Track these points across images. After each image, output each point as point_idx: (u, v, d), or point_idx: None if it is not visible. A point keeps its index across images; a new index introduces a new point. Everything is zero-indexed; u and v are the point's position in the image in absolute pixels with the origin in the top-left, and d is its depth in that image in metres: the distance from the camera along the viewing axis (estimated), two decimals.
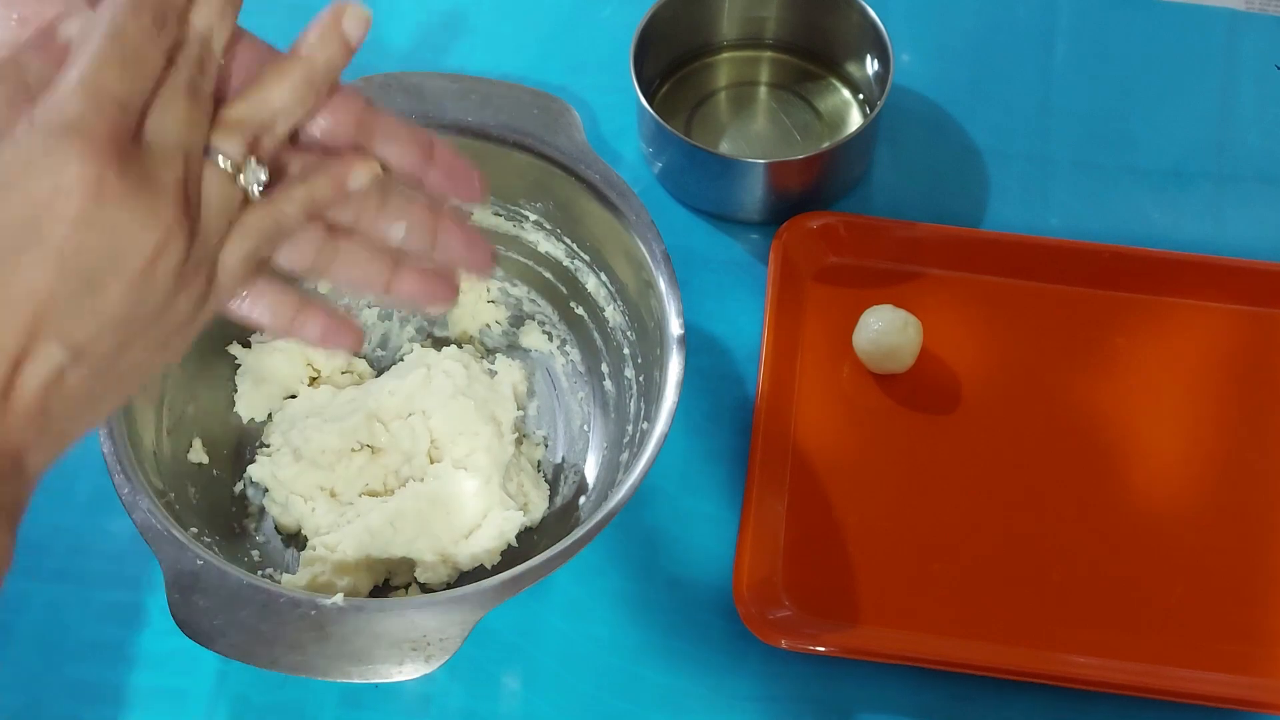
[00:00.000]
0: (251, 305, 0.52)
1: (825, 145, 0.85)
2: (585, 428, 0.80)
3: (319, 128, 0.50)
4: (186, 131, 0.46)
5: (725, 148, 0.89)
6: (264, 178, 0.49)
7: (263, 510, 0.77)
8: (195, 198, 0.46)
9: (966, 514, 0.77)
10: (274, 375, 0.78)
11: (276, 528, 0.76)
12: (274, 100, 0.48)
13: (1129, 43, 0.94)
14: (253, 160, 0.48)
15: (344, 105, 0.51)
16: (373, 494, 0.75)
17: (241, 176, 0.48)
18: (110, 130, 0.44)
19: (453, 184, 0.53)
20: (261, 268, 0.51)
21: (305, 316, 0.53)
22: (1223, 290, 0.83)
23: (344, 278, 0.52)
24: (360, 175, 0.51)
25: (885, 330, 0.79)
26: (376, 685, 0.70)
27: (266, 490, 0.76)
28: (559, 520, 0.77)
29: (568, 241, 0.78)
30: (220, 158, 0.47)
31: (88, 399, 0.47)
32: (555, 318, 0.82)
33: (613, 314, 0.78)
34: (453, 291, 0.54)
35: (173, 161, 0.46)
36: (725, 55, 0.93)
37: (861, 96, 0.90)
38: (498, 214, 0.79)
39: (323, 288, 0.74)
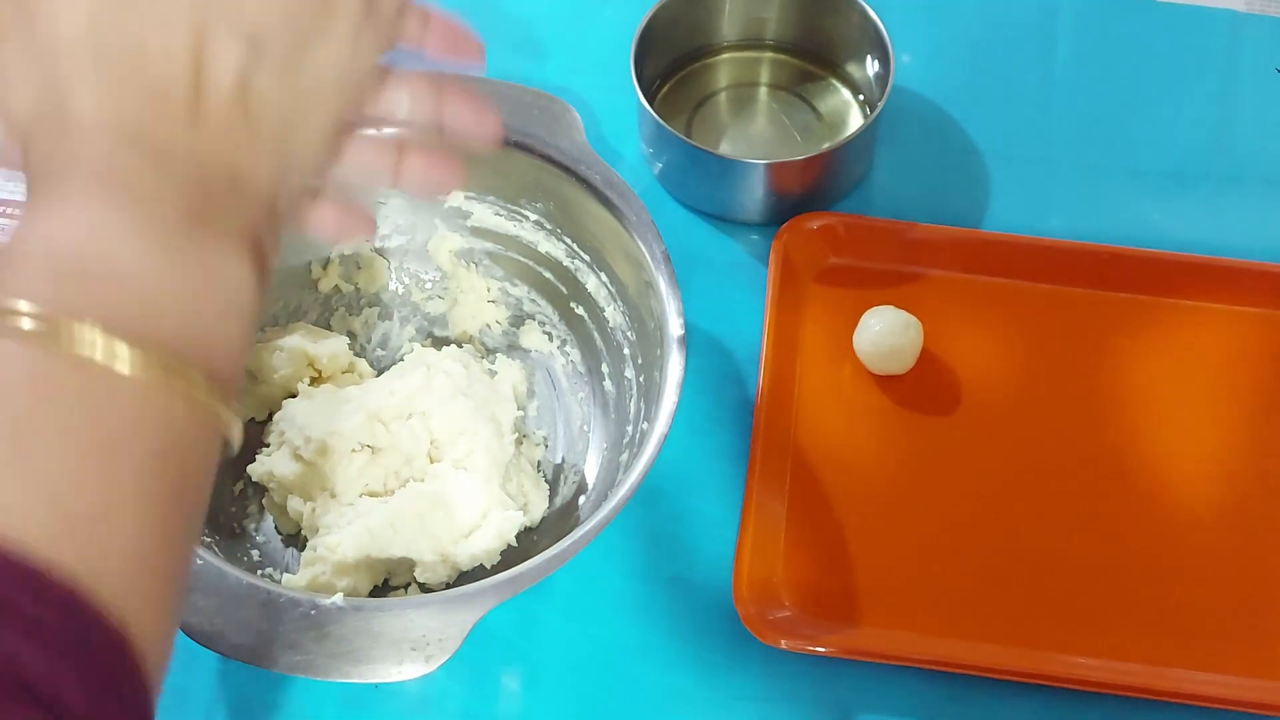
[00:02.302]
0: None
1: (825, 146, 0.85)
2: (585, 428, 0.79)
3: None
4: None
5: (725, 148, 0.89)
6: None
7: (262, 510, 0.77)
8: None
9: (967, 515, 0.77)
10: (274, 375, 0.78)
11: (276, 528, 0.76)
12: None
13: (1129, 44, 0.95)
14: None
15: None
16: (372, 494, 0.75)
17: None
18: None
19: (452, 46, 0.53)
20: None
21: (318, 212, 0.53)
22: (1224, 291, 0.83)
23: (353, 167, 0.52)
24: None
25: (886, 331, 0.79)
26: (376, 685, 0.71)
27: (266, 490, 0.76)
28: (559, 520, 0.77)
29: (568, 241, 0.78)
30: None
31: (290, 106, 0.46)
32: (555, 318, 0.82)
33: (613, 314, 0.78)
34: (460, 172, 0.54)
35: None
36: (726, 56, 0.93)
37: (862, 97, 0.90)
38: (498, 214, 0.79)
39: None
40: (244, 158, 0.46)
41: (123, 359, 0.41)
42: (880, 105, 0.84)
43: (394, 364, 0.81)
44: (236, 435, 0.46)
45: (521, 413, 0.79)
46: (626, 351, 0.77)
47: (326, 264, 0.81)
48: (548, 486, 0.78)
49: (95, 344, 0.41)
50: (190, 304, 0.44)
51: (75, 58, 0.44)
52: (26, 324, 0.41)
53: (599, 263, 0.78)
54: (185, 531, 0.44)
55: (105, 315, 0.41)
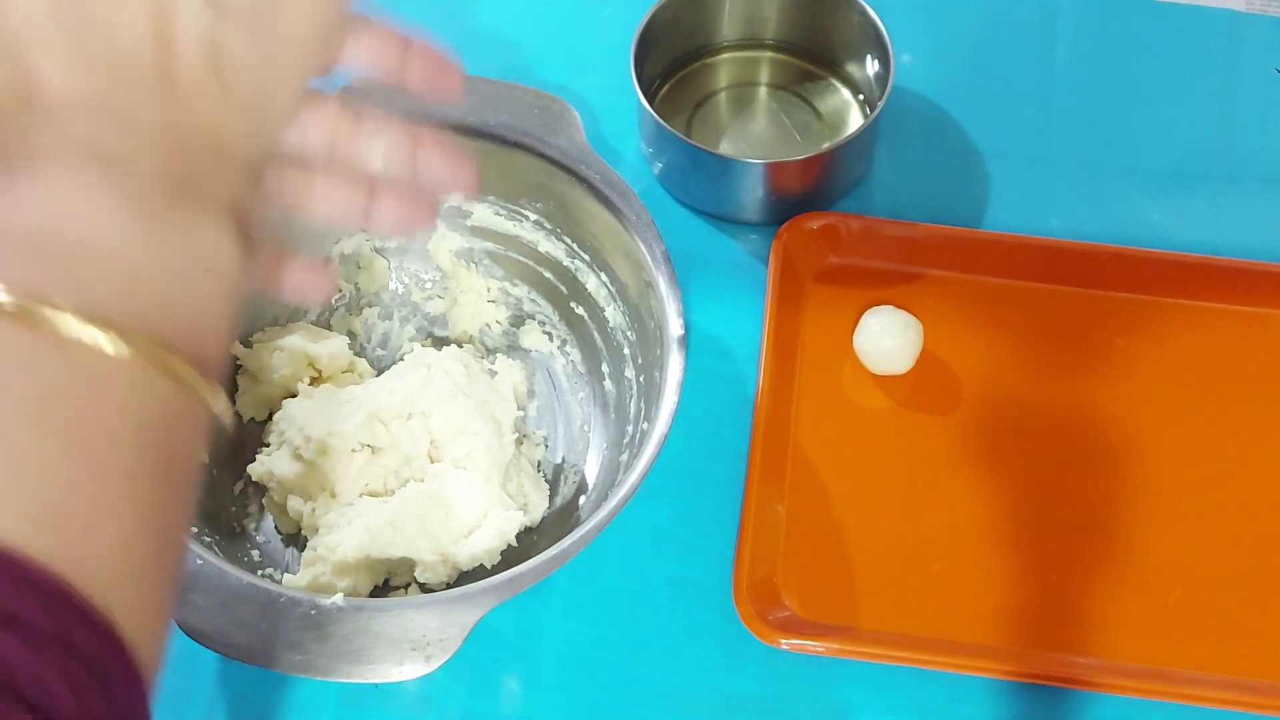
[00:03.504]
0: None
1: (825, 146, 0.85)
2: (585, 428, 0.80)
3: None
4: None
5: (725, 148, 0.89)
6: None
7: (262, 510, 0.77)
8: None
9: (966, 515, 0.77)
10: (274, 375, 0.78)
11: (276, 528, 0.76)
12: None
13: (1129, 43, 0.95)
14: None
15: None
16: (373, 494, 0.75)
17: None
18: None
19: (434, 78, 0.51)
20: None
21: (283, 271, 0.51)
22: (1223, 291, 0.83)
23: (322, 211, 0.50)
24: None
25: (886, 331, 0.79)
26: (376, 685, 0.71)
27: (266, 490, 0.76)
28: (559, 520, 0.77)
29: (568, 241, 0.78)
30: None
31: (263, 63, 0.45)
32: (555, 318, 0.82)
33: (613, 314, 0.78)
34: (433, 213, 0.53)
35: None
36: (726, 55, 0.93)
37: (862, 97, 0.90)
38: (498, 213, 0.79)
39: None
40: (222, 122, 0.45)
41: (103, 341, 0.40)
42: (880, 105, 0.84)
43: (394, 364, 0.81)
44: (226, 414, 0.45)
45: (521, 413, 0.79)
46: (626, 351, 0.77)
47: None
48: (548, 486, 0.78)
49: (73, 326, 0.40)
50: (173, 282, 0.43)
51: (38, 33, 0.43)
52: (3, 306, 0.39)
53: (599, 262, 0.78)
54: (174, 521, 0.43)
55: (84, 296, 0.40)
